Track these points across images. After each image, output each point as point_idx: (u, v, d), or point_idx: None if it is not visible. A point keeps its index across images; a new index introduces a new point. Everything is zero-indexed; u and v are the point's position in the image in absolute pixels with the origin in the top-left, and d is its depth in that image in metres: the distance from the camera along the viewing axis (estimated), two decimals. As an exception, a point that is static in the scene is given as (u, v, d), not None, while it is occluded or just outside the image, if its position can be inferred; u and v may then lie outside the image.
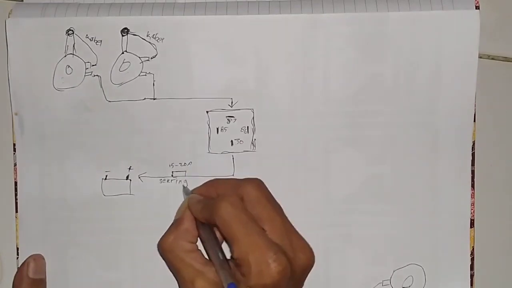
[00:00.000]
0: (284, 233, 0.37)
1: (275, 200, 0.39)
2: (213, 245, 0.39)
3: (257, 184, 0.39)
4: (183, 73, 0.42)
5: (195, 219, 0.40)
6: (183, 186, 0.43)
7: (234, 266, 0.37)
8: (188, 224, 0.40)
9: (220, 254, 0.38)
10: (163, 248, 0.39)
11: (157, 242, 0.40)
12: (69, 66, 0.42)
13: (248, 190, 0.38)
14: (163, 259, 0.40)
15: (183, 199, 0.43)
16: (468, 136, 0.43)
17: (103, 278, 0.43)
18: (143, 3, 0.43)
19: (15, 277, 0.42)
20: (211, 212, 0.37)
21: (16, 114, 0.43)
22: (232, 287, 0.36)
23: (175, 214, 0.42)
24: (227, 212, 0.37)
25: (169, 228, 0.40)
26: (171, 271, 0.40)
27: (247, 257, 0.35)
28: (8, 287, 0.42)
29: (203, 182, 0.43)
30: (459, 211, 0.43)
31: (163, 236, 0.40)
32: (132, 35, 0.42)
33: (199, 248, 0.40)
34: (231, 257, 0.37)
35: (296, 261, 0.37)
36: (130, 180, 0.43)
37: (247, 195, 0.38)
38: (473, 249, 0.43)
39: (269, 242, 0.36)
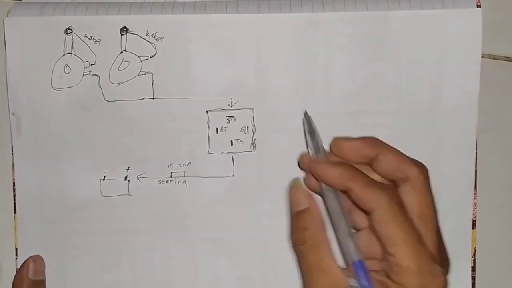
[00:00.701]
0: (436, 241, 0.35)
1: (433, 196, 0.37)
2: (339, 215, 0.36)
3: (425, 171, 0.36)
4: (182, 73, 0.42)
5: (317, 181, 0.37)
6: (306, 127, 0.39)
7: (386, 270, 0.35)
8: (321, 213, 0.36)
9: (347, 227, 0.36)
10: (306, 244, 0.36)
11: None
12: (67, 66, 0.42)
13: (416, 176, 0.36)
14: (298, 253, 0.36)
15: (182, 200, 0.43)
16: (471, 136, 0.43)
17: (102, 278, 0.43)
18: (142, 2, 0.43)
19: (15, 278, 0.42)
20: (368, 201, 0.34)
21: (13, 114, 0.43)
22: (359, 266, 0.34)
23: (292, 204, 0.38)
24: (393, 213, 0.34)
25: (300, 221, 0.36)
26: (301, 265, 0.36)
27: (411, 266, 0.33)
28: (7, 288, 0.42)
29: (202, 183, 0.43)
30: (461, 212, 0.43)
31: (299, 231, 0.36)
32: (131, 34, 0.42)
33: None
34: (384, 257, 0.35)
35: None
36: (129, 180, 0.43)
37: (414, 180, 0.36)
38: (475, 250, 0.43)
39: (430, 253, 0.34)
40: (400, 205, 0.35)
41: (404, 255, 0.33)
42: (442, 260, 0.35)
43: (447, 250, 0.37)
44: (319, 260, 0.35)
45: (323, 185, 0.37)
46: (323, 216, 0.36)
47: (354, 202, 0.36)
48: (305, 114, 0.40)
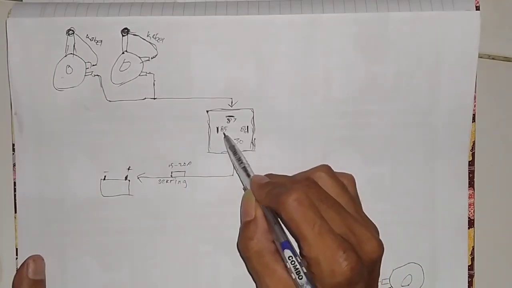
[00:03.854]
0: (344, 225, 0.38)
1: (344, 188, 0.41)
2: (265, 209, 0.41)
3: (327, 169, 0.41)
4: (183, 73, 0.44)
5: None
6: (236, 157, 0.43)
7: (304, 263, 0.39)
8: (265, 223, 0.40)
9: (273, 218, 0.40)
10: (250, 255, 0.40)
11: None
12: (69, 66, 0.44)
13: (320, 175, 0.41)
14: (246, 262, 0.41)
15: (182, 200, 0.45)
16: (466, 137, 0.45)
17: (102, 278, 0.45)
18: (142, 2, 0.45)
19: (14, 278, 0.43)
20: (277, 205, 0.39)
21: (15, 114, 0.44)
22: (285, 245, 0.39)
23: (242, 212, 0.42)
24: (294, 210, 0.38)
25: (246, 231, 0.41)
26: (250, 272, 0.41)
27: (317, 257, 0.37)
28: (8, 288, 0.44)
29: (202, 183, 0.44)
30: (457, 211, 0.45)
31: (244, 240, 0.40)
32: (133, 35, 0.44)
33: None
34: (300, 253, 0.39)
35: (363, 253, 0.38)
36: (129, 180, 0.45)
37: (319, 179, 0.40)
38: (473, 249, 0.45)
39: (338, 240, 0.37)
40: (305, 202, 0.38)
41: (309, 247, 0.38)
42: (359, 241, 0.38)
43: (368, 229, 0.39)
44: (264, 266, 0.39)
45: None
46: (268, 226, 0.40)
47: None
48: (224, 134, 0.45)
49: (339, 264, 0.37)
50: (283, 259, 0.39)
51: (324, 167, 0.42)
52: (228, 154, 0.44)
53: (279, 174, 0.43)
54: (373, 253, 0.39)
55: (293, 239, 0.40)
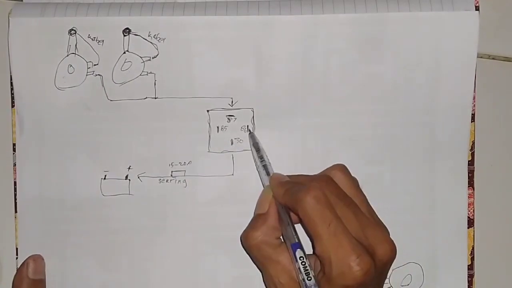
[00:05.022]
0: (359, 226, 0.39)
1: (358, 188, 0.42)
2: (281, 209, 0.41)
3: (343, 168, 0.42)
4: (184, 73, 0.45)
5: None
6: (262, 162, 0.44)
7: (316, 261, 0.40)
8: (275, 220, 0.41)
9: (287, 218, 0.41)
10: (249, 245, 0.41)
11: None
12: (71, 66, 0.45)
13: (337, 174, 0.41)
14: (247, 252, 0.42)
15: (182, 200, 0.45)
16: (465, 136, 0.46)
17: (102, 278, 0.45)
18: (142, 3, 0.46)
19: (14, 277, 0.44)
20: (294, 202, 0.39)
21: (17, 113, 0.45)
22: (295, 247, 0.39)
23: (256, 205, 0.43)
24: (311, 208, 0.38)
25: (254, 222, 0.42)
26: (254, 263, 0.43)
27: (329, 256, 0.37)
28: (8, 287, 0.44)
29: (202, 182, 0.45)
30: (456, 210, 0.46)
31: (248, 230, 0.41)
32: (134, 35, 0.45)
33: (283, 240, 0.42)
34: (313, 252, 0.39)
35: (376, 257, 0.38)
36: (129, 180, 0.45)
37: (334, 178, 0.41)
38: (473, 248, 0.46)
39: (352, 243, 0.37)
40: (322, 200, 0.39)
41: (323, 246, 0.38)
42: (373, 244, 0.39)
43: (382, 231, 0.40)
44: (265, 257, 0.40)
45: None
46: (280, 225, 0.41)
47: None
48: (250, 131, 0.45)
49: (350, 268, 0.37)
50: (292, 259, 0.40)
51: (339, 166, 0.42)
52: (251, 151, 0.45)
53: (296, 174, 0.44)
54: (386, 256, 0.39)
55: (305, 240, 0.41)
